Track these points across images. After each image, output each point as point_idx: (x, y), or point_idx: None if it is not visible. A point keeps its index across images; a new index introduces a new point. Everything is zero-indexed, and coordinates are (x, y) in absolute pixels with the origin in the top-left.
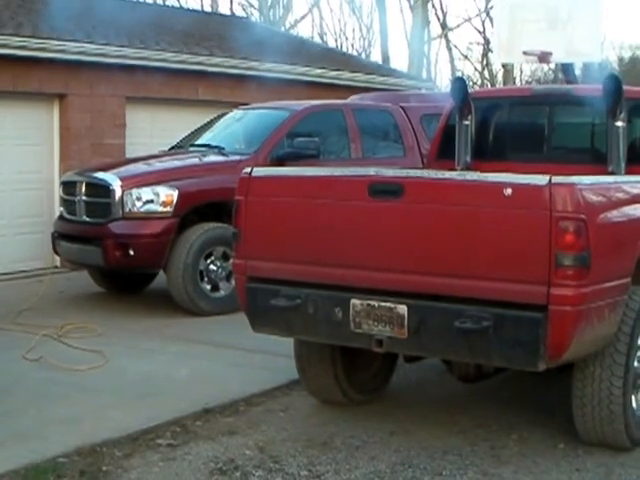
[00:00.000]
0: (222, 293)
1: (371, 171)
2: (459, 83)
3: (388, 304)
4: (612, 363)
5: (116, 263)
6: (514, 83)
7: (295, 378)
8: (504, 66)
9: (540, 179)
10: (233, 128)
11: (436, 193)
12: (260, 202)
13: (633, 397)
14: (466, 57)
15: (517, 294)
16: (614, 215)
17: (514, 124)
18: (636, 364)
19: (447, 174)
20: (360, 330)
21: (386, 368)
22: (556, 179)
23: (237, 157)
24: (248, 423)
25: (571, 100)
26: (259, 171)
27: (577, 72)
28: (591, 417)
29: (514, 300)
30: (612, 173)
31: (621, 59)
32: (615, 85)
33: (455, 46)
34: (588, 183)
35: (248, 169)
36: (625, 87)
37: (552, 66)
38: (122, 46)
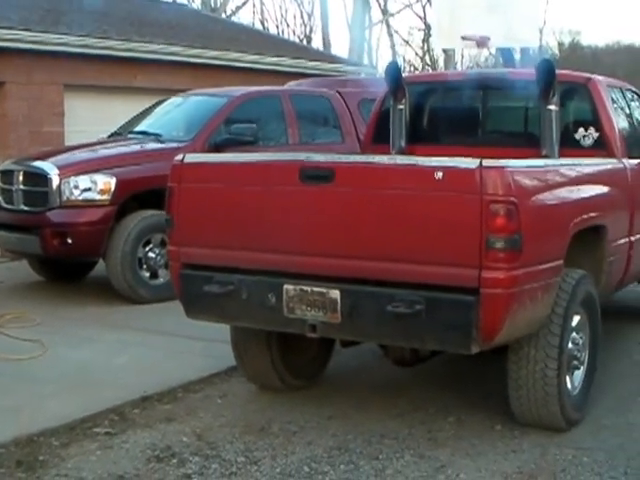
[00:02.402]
0: (161, 280)
1: (302, 156)
2: (393, 68)
3: (321, 289)
4: (546, 345)
5: (55, 252)
6: (455, 68)
7: (234, 364)
8: (445, 51)
9: (470, 162)
10: (172, 115)
11: (367, 177)
12: (192, 189)
13: (568, 378)
14: (407, 42)
15: (449, 277)
16: (546, 198)
17: (448, 108)
18: (570, 346)
19: (378, 158)
20: (293, 315)
21: (323, 353)
22: (487, 162)
23: (175, 144)
24: (186, 410)
25: (505, 84)
26: (191, 158)
27: (516, 57)
28: (526, 399)
29: (446, 283)
30: (546, 156)
31: (561, 44)
32: (548, 69)
33: (396, 31)
34: (519, 166)
35: (180, 156)
36: (558, 71)
37: (493, 51)
38: (61, 34)
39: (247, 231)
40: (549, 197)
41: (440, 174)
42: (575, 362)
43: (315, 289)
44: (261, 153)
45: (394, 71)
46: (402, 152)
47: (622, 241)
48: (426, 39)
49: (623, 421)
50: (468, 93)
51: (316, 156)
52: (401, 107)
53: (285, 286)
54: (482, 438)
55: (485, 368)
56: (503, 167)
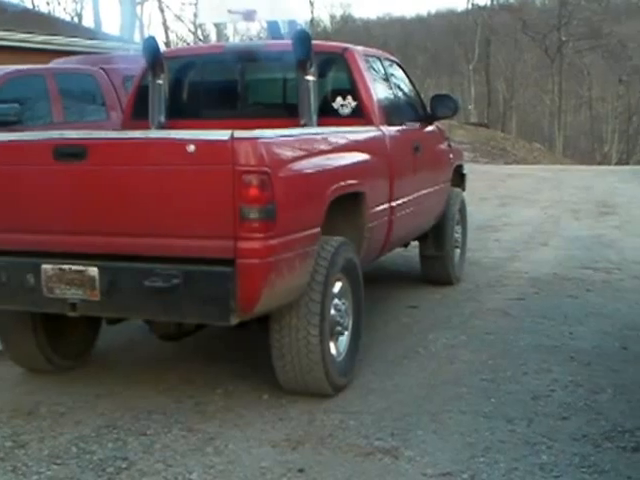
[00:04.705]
0: None
1: (55, 134)
2: (150, 42)
3: (79, 267)
4: (308, 312)
5: None
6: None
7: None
8: (216, 26)
9: (222, 134)
10: None
11: (120, 153)
12: None
13: (332, 344)
14: (179, 18)
15: (206, 250)
16: (301, 166)
17: (208, 82)
18: (333, 312)
19: (130, 134)
20: (53, 295)
21: (90, 332)
22: (238, 134)
23: None
24: None
25: (263, 56)
26: None
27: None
28: (291, 367)
29: (204, 256)
30: (304, 126)
31: (333, 17)
32: (304, 40)
33: (167, 7)
34: (272, 136)
35: None
36: (315, 42)
37: (264, 24)
38: None
39: (3, 212)
40: (305, 166)
41: (192, 147)
42: (339, 328)
43: (73, 267)
44: (15, 133)
45: (152, 46)
46: (162, 127)
47: (382, 207)
48: (197, 14)
49: (390, 384)
50: (227, 66)
51: (69, 133)
52: (160, 82)
53: (43, 266)
54: (250, 408)
55: (252, 338)
56: (255, 138)
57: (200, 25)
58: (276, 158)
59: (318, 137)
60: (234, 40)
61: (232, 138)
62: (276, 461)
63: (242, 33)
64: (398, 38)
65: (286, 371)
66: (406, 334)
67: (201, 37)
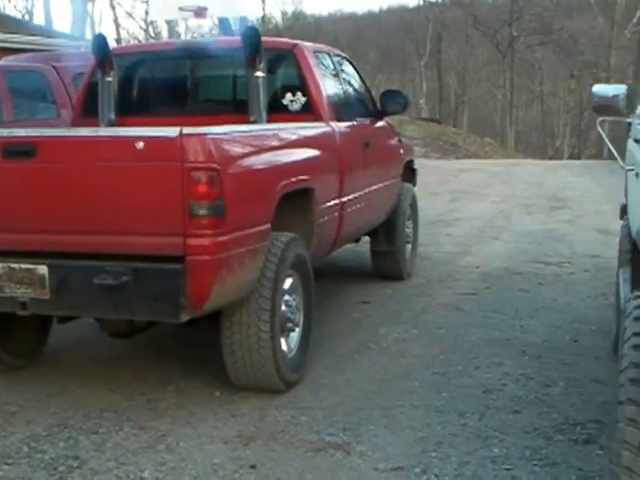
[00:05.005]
0: None
1: (3, 133)
2: (99, 39)
3: (28, 265)
4: (258, 309)
5: None
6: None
7: None
8: (167, 23)
9: (171, 131)
10: None
11: (70, 151)
12: None
13: (283, 340)
14: (130, 15)
15: (156, 247)
16: (251, 163)
17: (158, 79)
18: (283, 308)
19: (79, 131)
20: (3, 294)
21: (41, 331)
22: (187, 130)
23: None
24: None
25: (212, 53)
26: None
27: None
28: (242, 363)
29: (154, 253)
30: (254, 122)
31: (284, 13)
32: (253, 36)
33: (119, 4)
34: (220, 133)
35: None
36: (265, 38)
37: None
38: None
39: None
40: (254, 162)
41: (141, 144)
42: (290, 324)
43: (23, 266)
44: None
45: (101, 43)
46: (111, 125)
47: (333, 203)
48: (148, 11)
49: (341, 379)
50: (177, 63)
51: (17, 131)
52: (109, 79)
53: None
54: (202, 405)
55: (204, 335)
56: (204, 134)
57: (152, 22)
58: (225, 154)
59: (267, 133)
60: (186, 37)
61: (181, 135)
62: (228, 457)
63: (194, 30)
64: (350, 34)
65: (237, 367)
66: (357, 329)
67: (153, 34)
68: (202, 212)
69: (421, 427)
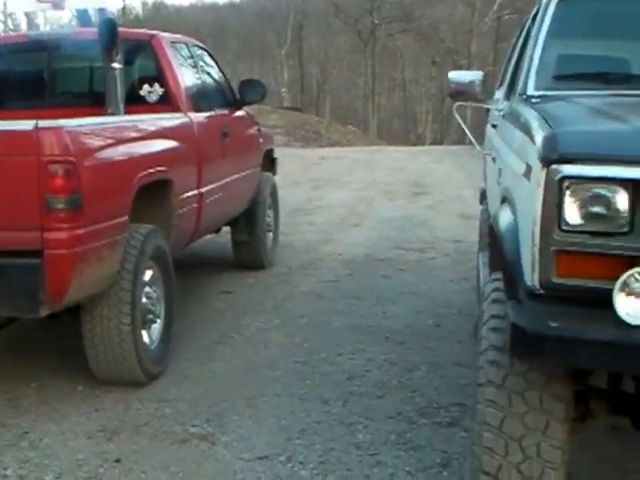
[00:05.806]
0: None
1: None
2: None
3: None
4: (118, 301)
5: None
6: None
7: None
8: (26, 15)
9: (26, 124)
10: None
11: None
12: None
13: (145, 333)
14: None
15: (14, 241)
16: (107, 155)
17: (15, 72)
18: (144, 300)
19: None
20: None
21: None
22: (43, 123)
23: None
24: None
25: (69, 45)
26: None
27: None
28: (104, 356)
29: (11, 248)
30: (111, 114)
31: (145, 4)
32: (109, 27)
33: None
34: (77, 125)
35: None
36: (121, 29)
37: (74, 13)
38: None
39: None
40: (111, 154)
41: None
42: (151, 316)
43: None
44: None
45: None
46: None
47: (191, 194)
48: (6, 3)
49: (205, 370)
50: (33, 55)
51: None
52: None
53: None
54: (65, 401)
55: (66, 330)
56: (60, 127)
57: (10, 14)
58: (82, 147)
59: (124, 125)
60: (45, 29)
61: (36, 128)
62: (92, 452)
63: (53, 22)
64: (211, 25)
65: (99, 361)
66: (220, 319)
67: (12, 27)
68: (59, 206)
69: (285, 415)
